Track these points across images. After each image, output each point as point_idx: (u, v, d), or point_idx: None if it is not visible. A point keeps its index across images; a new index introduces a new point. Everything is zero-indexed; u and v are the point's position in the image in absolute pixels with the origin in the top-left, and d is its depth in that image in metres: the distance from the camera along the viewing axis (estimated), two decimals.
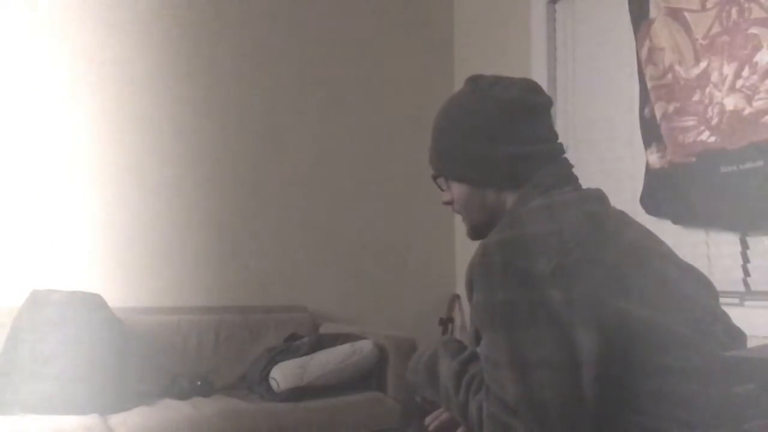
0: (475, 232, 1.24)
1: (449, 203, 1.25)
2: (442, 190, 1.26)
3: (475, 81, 1.22)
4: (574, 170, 1.21)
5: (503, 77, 1.22)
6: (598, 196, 1.15)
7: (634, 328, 0.96)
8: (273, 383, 2.47)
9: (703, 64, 2.28)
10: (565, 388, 0.93)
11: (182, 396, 2.45)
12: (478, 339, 1.05)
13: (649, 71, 2.46)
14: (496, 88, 1.18)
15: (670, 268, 1.08)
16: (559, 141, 1.22)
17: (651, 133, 2.48)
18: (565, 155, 1.21)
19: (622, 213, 1.16)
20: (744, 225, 2.24)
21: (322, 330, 2.95)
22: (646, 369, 0.96)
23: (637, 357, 0.96)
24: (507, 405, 0.95)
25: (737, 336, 1.09)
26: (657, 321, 0.97)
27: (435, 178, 1.26)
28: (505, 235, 1.04)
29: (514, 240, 1.02)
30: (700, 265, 1.18)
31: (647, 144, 2.50)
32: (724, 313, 1.11)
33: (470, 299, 1.07)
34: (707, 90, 2.26)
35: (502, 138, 1.15)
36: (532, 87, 1.20)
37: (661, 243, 1.14)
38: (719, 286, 1.17)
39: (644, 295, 0.99)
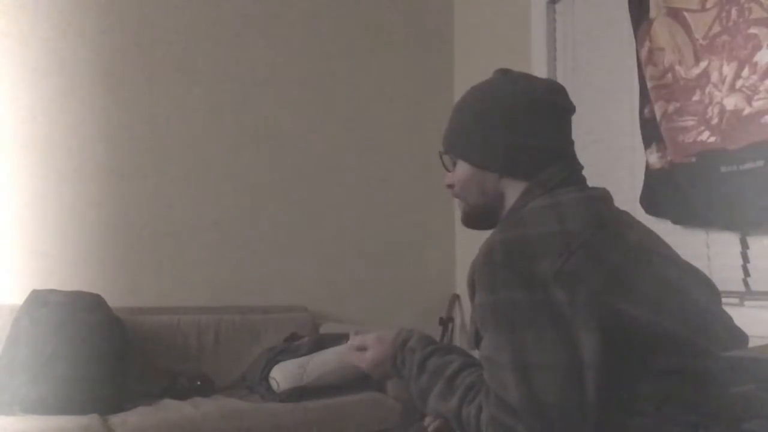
0: (469, 218, 1.24)
1: (451, 186, 1.25)
2: (447, 170, 1.25)
3: (503, 71, 1.23)
4: (583, 172, 1.20)
5: (534, 75, 1.24)
6: (603, 197, 1.15)
7: (637, 330, 0.96)
8: (273, 383, 2.47)
9: (703, 64, 2.28)
10: (567, 390, 0.93)
11: (182, 396, 2.45)
12: (478, 339, 1.05)
13: (649, 71, 2.46)
14: (522, 80, 1.19)
15: (673, 269, 1.08)
16: (573, 145, 1.21)
17: (651, 133, 2.48)
18: (577, 158, 1.20)
19: (626, 213, 1.16)
20: (744, 225, 2.24)
21: (322, 330, 2.95)
22: (647, 371, 0.96)
23: (639, 359, 0.96)
24: (509, 407, 0.94)
25: (738, 337, 1.09)
26: (659, 323, 0.97)
27: (441, 155, 1.26)
28: (508, 234, 1.03)
29: (518, 240, 1.01)
30: (700, 265, 1.18)
31: (647, 144, 2.50)
32: (726, 315, 1.11)
33: (472, 299, 1.07)
34: (707, 90, 2.26)
35: (511, 126, 1.15)
36: (557, 88, 1.20)
37: (664, 244, 1.14)
38: (719, 286, 1.17)
39: (647, 297, 0.99)
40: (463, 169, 1.21)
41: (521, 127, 1.14)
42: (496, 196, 1.18)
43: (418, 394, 1.12)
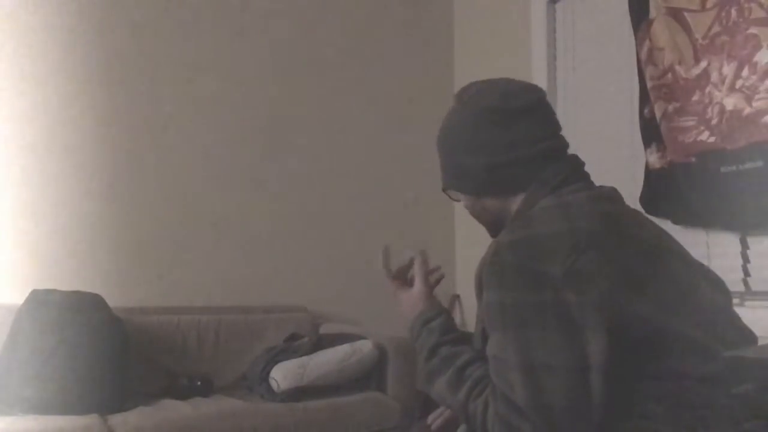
0: (491, 234, 1.24)
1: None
2: (453, 199, 1.27)
3: (459, 94, 1.21)
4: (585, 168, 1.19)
5: (488, 85, 1.19)
6: (612, 195, 1.14)
7: (647, 332, 0.96)
8: (273, 383, 2.47)
9: (702, 64, 2.28)
10: (573, 391, 0.93)
11: (182, 396, 2.45)
12: (485, 338, 1.05)
13: (649, 71, 2.46)
14: (474, 98, 1.17)
15: (685, 268, 1.08)
16: (560, 137, 1.18)
17: (651, 133, 2.48)
18: (573, 153, 1.19)
19: (636, 212, 1.15)
20: (744, 225, 2.24)
21: (322, 330, 2.95)
22: (655, 373, 0.96)
23: (646, 361, 0.96)
24: (515, 406, 0.95)
25: (749, 337, 1.09)
26: (670, 324, 0.97)
27: (444, 190, 1.28)
28: (517, 235, 1.03)
29: (527, 240, 1.01)
30: None
31: (647, 144, 2.50)
32: (736, 315, 1.11)
33: (479, 298, 1.07)
34: (707, 90, 2.26)
35: (480, 148, 1.14)
36: (512, 90, 1.16)
37: (676, 243, 1.13)
38: None
39: (658, 297, 0.98)
40: (464, 198, 1.23)
41: (488, 146, 1.13)
42: (501, 212, 1.18)
43: (426, 375, 1.14)
